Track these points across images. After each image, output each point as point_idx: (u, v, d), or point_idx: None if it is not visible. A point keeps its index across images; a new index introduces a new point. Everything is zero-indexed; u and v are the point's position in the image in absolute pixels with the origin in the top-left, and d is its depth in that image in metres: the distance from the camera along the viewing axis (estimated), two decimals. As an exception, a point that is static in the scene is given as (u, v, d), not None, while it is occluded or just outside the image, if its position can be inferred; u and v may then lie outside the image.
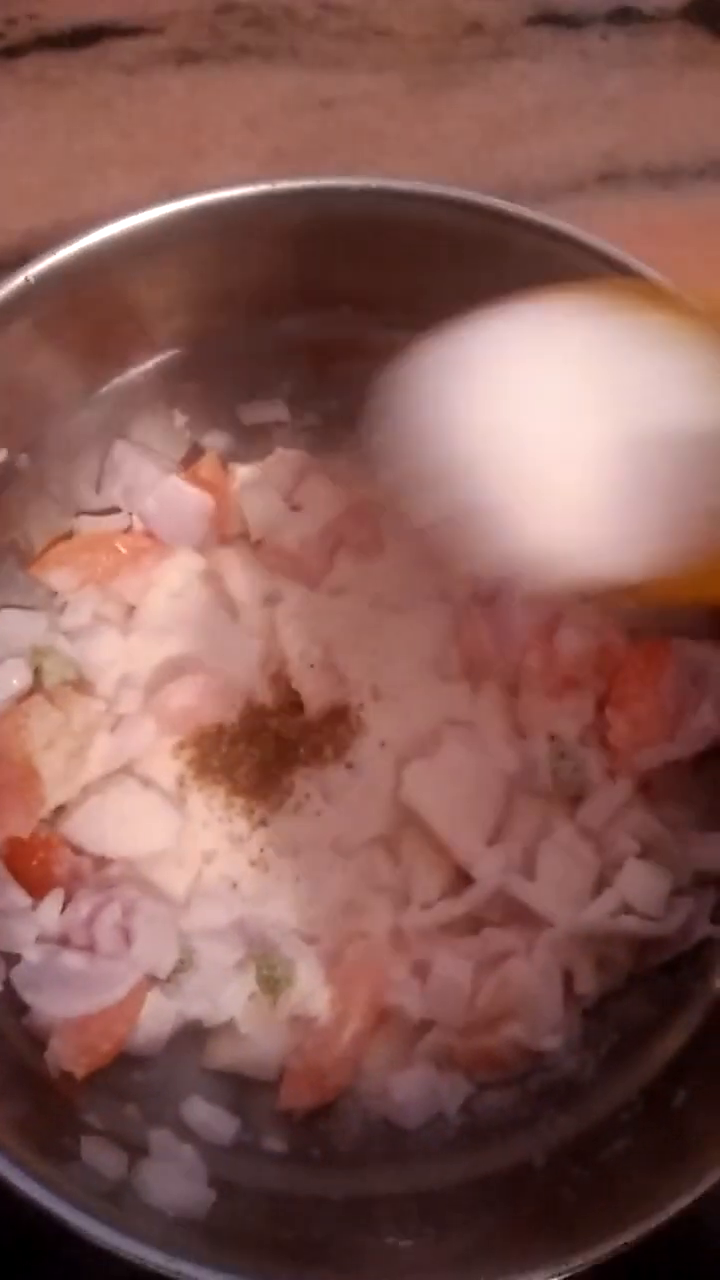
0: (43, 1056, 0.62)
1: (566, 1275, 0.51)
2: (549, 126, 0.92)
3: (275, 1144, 0.66)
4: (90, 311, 0.68)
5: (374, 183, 0.63)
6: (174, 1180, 0.58)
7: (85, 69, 0.92)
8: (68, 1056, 0.62)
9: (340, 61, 0.93)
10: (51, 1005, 0.63)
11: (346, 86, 0.92)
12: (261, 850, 0.73)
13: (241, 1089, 0.68)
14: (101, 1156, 0.58)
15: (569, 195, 0.92)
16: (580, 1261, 0.51)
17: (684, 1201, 0.51)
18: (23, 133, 0.89)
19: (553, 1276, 0.50)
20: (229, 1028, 0.68)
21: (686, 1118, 0.60)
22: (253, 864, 0.72)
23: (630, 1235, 0.51)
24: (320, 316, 0.74)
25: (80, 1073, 0.62)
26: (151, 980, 0.67)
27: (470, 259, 0.67)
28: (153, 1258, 0.49)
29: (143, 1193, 0.57)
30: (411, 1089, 0.67)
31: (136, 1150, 0.61)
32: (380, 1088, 0.68)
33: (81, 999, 0.64)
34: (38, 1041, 0.63)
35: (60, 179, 0.89)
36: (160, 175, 0.90)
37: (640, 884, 0.68)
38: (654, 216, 0.92)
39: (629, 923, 0.67)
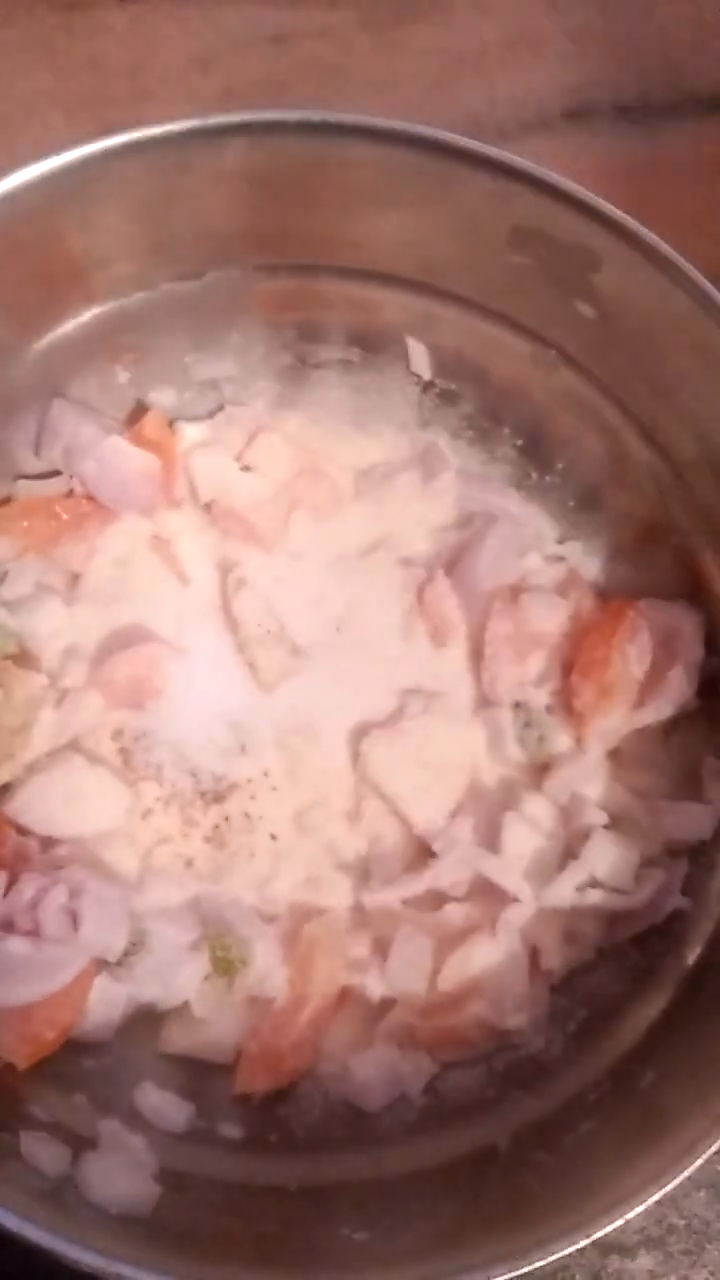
0: (-18, 1046, 0.60)
1: (527, 1269, 0.48)
2: (513, 61, 0.88)
3: (231, 1130, 0.64)
4: (21, 259, 0.64)
5: (315, 116, 0.58)
6: (118, 1175, 0.56)
7: (23, 7, 0.87)
8: (9, 1046, 0.60)
9: (292, -5, 0.87)
10: (-8, 994, 0.60)
11: (299, 21, 0.87)
12: (216, 826, 0.70)
13: (197, 1074, 0.66)
14: (42, 1152, 0.56)
15: (535, 134, 0.87)
16: (540, 1257, 0.48)
17: (651, 1196, 0.49)
18: (-45, 73, 0.84)
19: (512, 1272, 0.48)
20: (183, 1011, 0.66)
21: (655, 1099, 0.58)
22: (207, 841, 0.70)
23: (593, 1230, 0.49)
24: (269, 263, 0.70)
25: (23, 1063, 0.60)
26: (101, 964, 0.64)
27: (423, 199, 0.63)
28: (89, 1259, 0.47)
29: (85, 1189, 0.55)
30: (372, 1070, 0.65)
31: (83, 1143, 0.58)
32: (341, 1069, 0.66)
33: (24, 986, 0.61)
34: (-23, 1029, 0.61)
35: (-3, 123, 0.84)
36: (103, 119, 0.85)
37: (608, 857, 0.65)
38: (624, 156, 0.88)
39: (596, 897, 0.65)
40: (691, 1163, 0.50)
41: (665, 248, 0.58)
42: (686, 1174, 0.49)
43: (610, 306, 0.64)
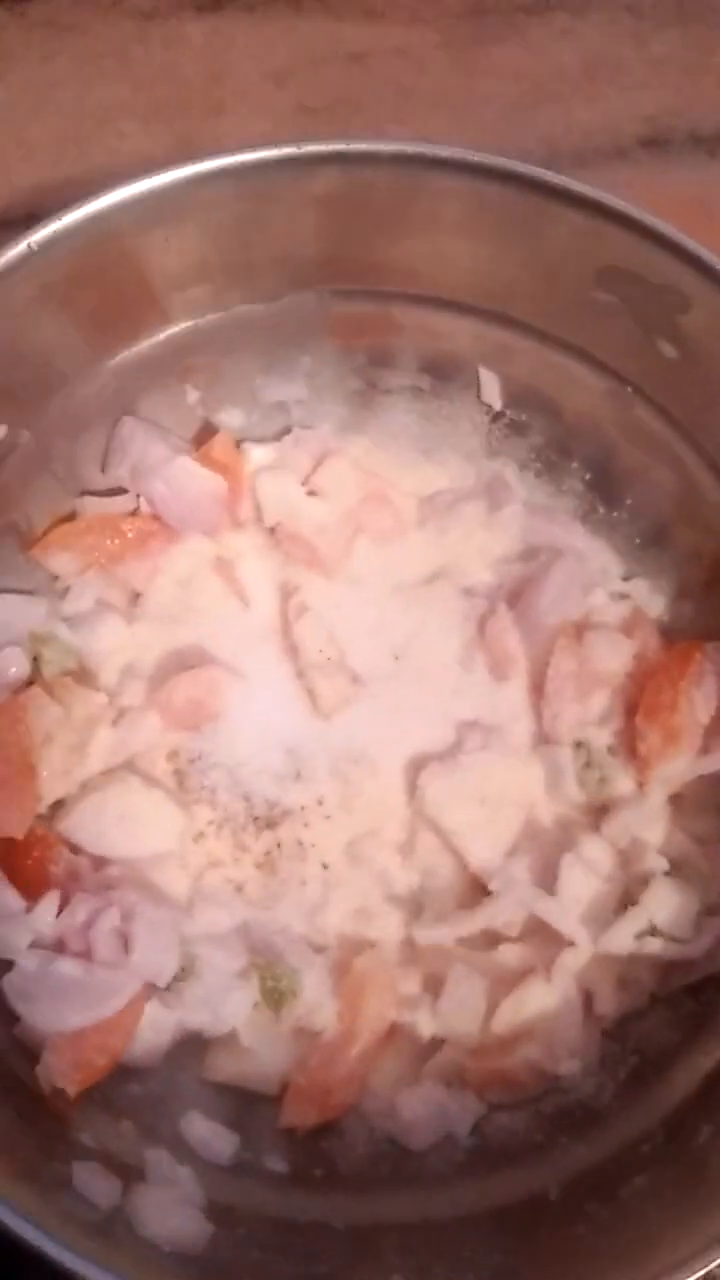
0: (33, 1070, 0.59)
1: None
2: (591, 87, 0.87)
3: (276, 1163, 0.63)
4: (99, 279, 0.64)
5: (409, 148, 0.58)
6: (170, 1210, 0.55)
7: (99, 14, 0.87)
8: (60, 1072, 0.59)
9: (371, 12, 0.87)
10: (44, 1018, 0.60)
11: (377, 39, 0.87)
12: (268, 852, 0.69)
13: (242, 1104, 0.65)
14: (94, 1183, 0.55)
15: (611, 161, 0.86)
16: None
17: (711, 1262, 0.48)
18: (31, 83, 0.83)
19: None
20: (230, 1039, 0.65)
21: (711, 1156, 0.57)
22: (258, 867, 0.69)
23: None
24: (345, 289, 0.69)
25: (73, 1090, 0.59)
26: (150, 989, 0.64)
27: (510, 232, 0.62)
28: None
29: (136, 1224, 0.54)
30: (419, 1108, 0.64)
31: (131, 1174, 0.58)
32: (387, 1106, 0.65)
33: (77, 1011, 0.60)
34: (29, 1052, 0.60)
35: (70, 132, 0.84)
36: (177, 130, 0.85)
37: (669, 904, 0.64)
38: (700, 186, 0.87)
39: (655, 945, 0.64)
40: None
41: (758, 294, 0.58)
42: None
43: (695, 347, 0.63)
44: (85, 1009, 0.61)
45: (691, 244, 0.57)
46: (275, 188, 0.60)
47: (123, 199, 0.59)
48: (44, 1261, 0.48)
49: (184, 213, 0.61)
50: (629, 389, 0.69)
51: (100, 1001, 0.61)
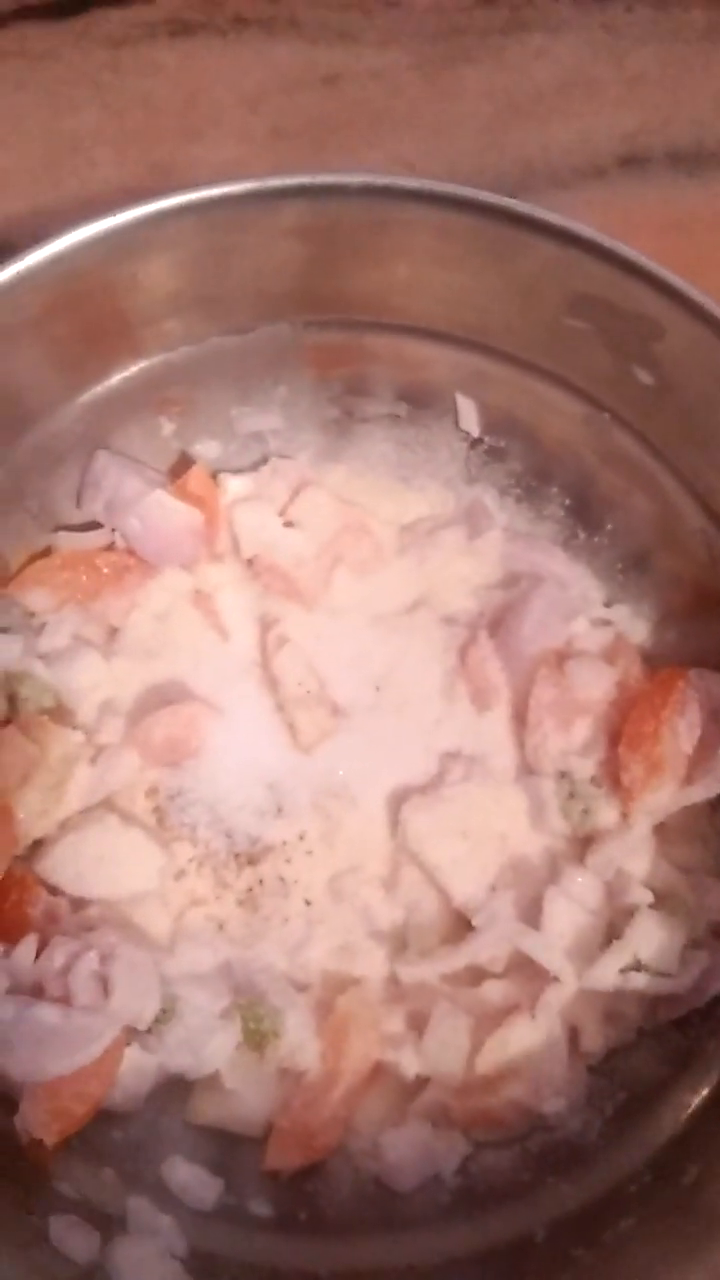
0: (10, 1120, 0.58)
1: None
2: (567, 106, 0.86)
3: (260, 1207, 0.62)
4: (70, 314, 0.63)
5: (377, 180, 0.57)
6: (149, 1263, 0.55)
7: (71, 41, 0.86)
8: (38, 1122, 0.58)
9: (345, 34, 0.86)
10: (22, 1067, 0.59)
11: (351, 61, 0.86)
12: (250, 889, 0.68)
13: (226, 1147, 0.64)
14: (72, 1238, 0.54)
15: (589, 181, 0.85)
16: None
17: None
18: (3, 112, 0.83)
19: None
20: (213, 1081, 0.65)
21: (698, 1198, 0.56)
22: (240, 904, 0.68)
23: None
24: (319, 319, 0.69)
25: (52, 1140, 0.58)
26: (131, 1033, 0.63)
27: (484, 262, 0.61)
28: None
29: (115, 1278, 0.53)
30: (405, 1148, 0.63)
31: (111, 1224, 0.57)
32: (372, 1146, 0.64)
33: (55, 1059, 0.60)
34: (6, 1101, 0.60)
35: (43, 161, 0.83)
36: (151, 157, 0.84)
37: (653, 939, 0.64)
38: (678, 205, 0.86)
39: (640, 980, 0.63)
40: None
41: (732, 321, 0.57)
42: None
43: (670, 374, 0.62)
44: (63, 1057, 0.60)
45: (662, 271, 0.56)
46: (243, 221, 0.60)
47: (89, 236, 0.58)
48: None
49: (152, 248, 0.60)
50: (606, 415, 0.68)
51: (79, 1049, 0.60)
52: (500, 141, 0.86)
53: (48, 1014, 0.61)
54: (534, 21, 0.87)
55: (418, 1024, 0.65)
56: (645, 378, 0.64)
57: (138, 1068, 0.64)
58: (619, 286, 0.58)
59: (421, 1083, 0.65)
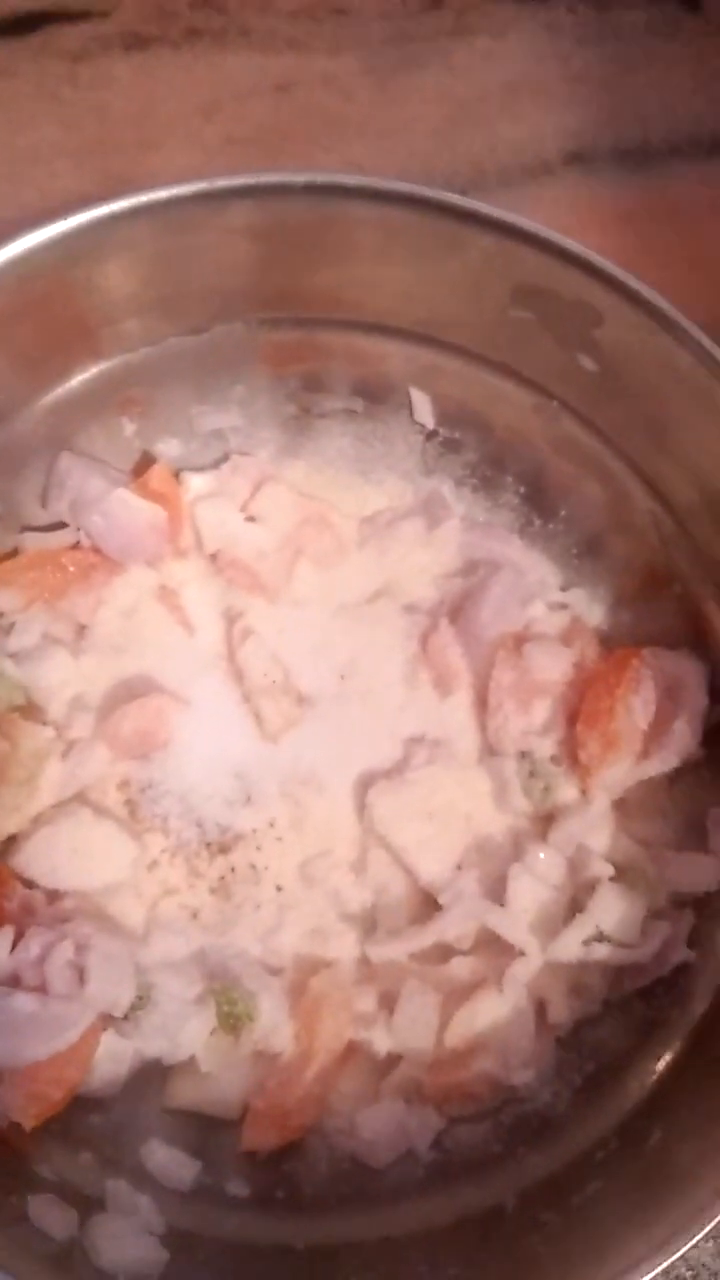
0: (-11, 1106, 0.60)
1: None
2: (514, 107, 0.88)
3: (238, 1187, 0.64)
4: (30, 317, 0.64)
5: (320, 178, 0.59)
6: (127, 1239, 0.56)
7: (28, 57, 0.88)
8: (16, 1106, 0.60)
9: (295, 43, 0.88)
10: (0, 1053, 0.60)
11: (302, 69, 0.88)
12: (222, 877, 0.70)
13: (204, 1130, 0.65)
14: (50, 1216, 0.55)
15: (536, 179, 0.87)
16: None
17: (658, 1264, 0.49)
18: (-39, 125, 0.85)
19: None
20: (189, 1066, 0.66)
21: (663, 1157, 0.58)
22: (213, 892, 0.70)
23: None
24: (274, 317, 0.70)
25: (29, 1123, 0.60)
26: (107, 1019, 0.64)
27: (427, 256, 0.63)
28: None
29: (93, 1254, 0.54)
30: (380, 1125, 0.65)
31: (90, 1204, 0.58)
32: (347, 1124, 0.65)
33: (32, 1045, 0.61)
34: (-15, 1088, 0.61)
35: (4, 173, 0.85)
36: (109, 167, 0.86)
37: (615, 910, 0.65)
38: (625, 200, 0.88)
39: (603, 951, 0.65)
40: (699, 1230, 0.50)
41: (665, 305, 0.59)
42: (694, 1242, 0.49)
43: (611, 360, 0.64)
44: (40, 1043, 0.61)
45: (597, 258, 0.58)
46: (194, 222, 0.61)
47: (44, 239, 0.59)
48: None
49: (107, 250, 0.62)
50: (555, 403, 0.70)
51: (55, 1035, 0.61)
52: (450, 143, 0.88)
53: (24, 1002, 0.62)
54: (479, 25, 0.89)
55: (389, 1003, 0.67)
56: (589, 365, 0.65)
57: (114, 1054, 0.65)
58: (557, 276, 0.60)
59: (394, 1060, 0.66)
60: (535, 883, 0.67)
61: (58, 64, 0.88)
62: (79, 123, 0.87)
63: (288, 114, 0.87)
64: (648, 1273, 0.50)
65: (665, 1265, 0.49)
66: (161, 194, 0.59)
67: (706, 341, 0.58)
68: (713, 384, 0.60)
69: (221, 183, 0.59)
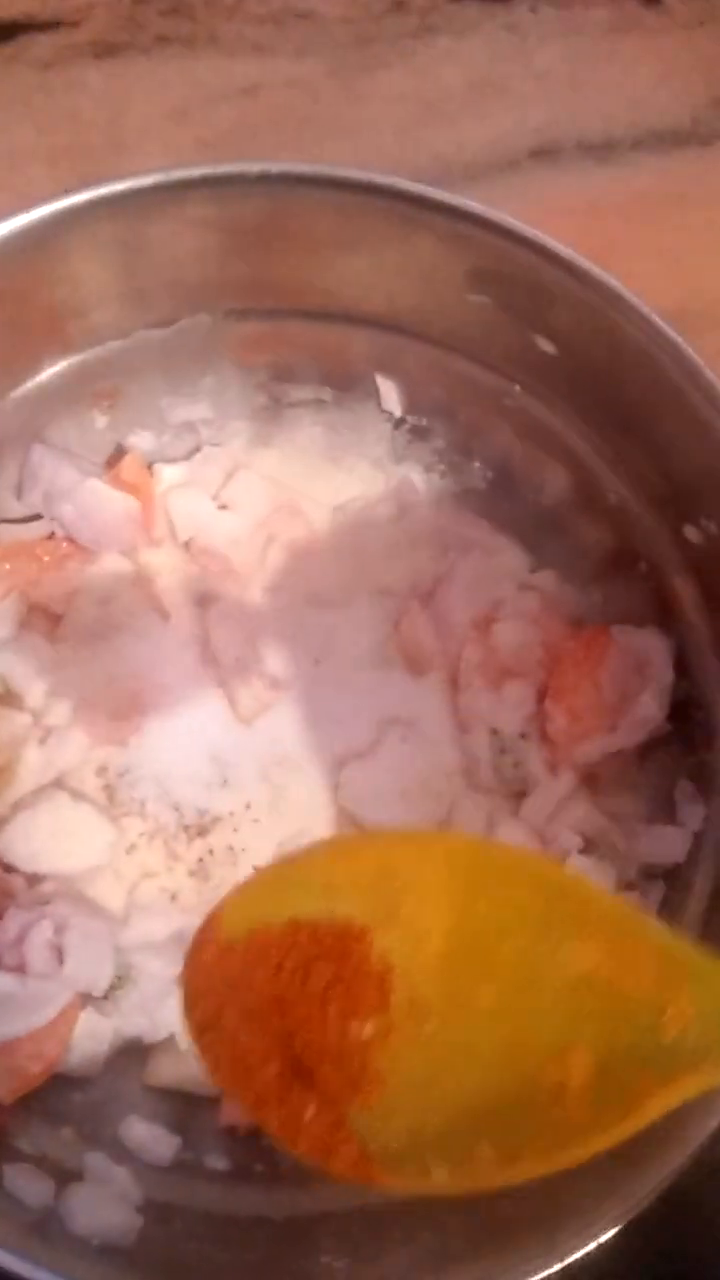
0: (-31, 1082, 0.61)
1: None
2: (479, 104, 0.90)
3: (217, 1161, 0.64)
4: (-2, 311, 0.66)
5: (273, 168, 0.60)
6: (101, 1206, 0.57)
7: (1, 66, 0.90)
8: (-5, 1081, 0.60)
9: (261, 47, 0.90)
10: (-23, 1030, 0.61)
11: (269, 72, 0.90)
12: (200, 860, 0.71)
13: (184, 1106, 0.66)
14: (25, 1185, 0.56)
15: (502, 174, 0.89)
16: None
17: (623, 1219, 0.49)
18: (-64, 133, 0.87)
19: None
20: (169, 1044, 0.67)
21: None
22: (191, 874, 0.71)
23: (567, 1253, 0.49)
24: (240, 308, 0.72)
25: (8, 1098, 0.61)
26: (87, 999, 0.65)
27: (383, 243, 0.65)
28: (71, 1290, 0.48)
29: (68, 1220, 0.55)
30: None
31: (68, 1175, 0.59)
32: (326, 1099, 0.66)
33: (9, 1022, 0.62)
34: (-35, 1065, 0.62)
35: (-22, 180, 0.87)
36: (82, 171, 0.88)
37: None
38: (590, 193, 0.90)
39: (573, 921, 0.65)
40: (661, 1185, 0.50)
41: (614, 283, 0.60)
42: (655, 1194, 0.49)
43: (569, 342, 0.66)
44: (17, 1019, 0.62)
45: (545, 238, 0.59)
46: (154, 214, 0.63)
47: (5, 232, 0.61)
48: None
49: (68, 244, 0.63)
50: (517, 387, 0.71)
51: (32, 1012, 0.63)
52: (415, 141, 0.89)
53: (3, 982, 0.63)
54: (442, 25, 0.91)
55: (365, 979, 0.67)
56: (548, 348, 0.67)
57: (95, 1033, 0.66)
58: (508, 258, 0.61)
59: (370, 1034, 0.67)
60: (506, 856, 0.68)
61: (29, 72, 0.90)
62: (52, 128, 0.89)
63: (256, 116, 0.89)
64: (612, 1228, 0.50)
65: (628, 1218, 0.50)
66: (119, 186, 0.61)
67: (655, 318, 0.60)
68: (664, 362, 0.62)
69: (178, 174, 0.61)
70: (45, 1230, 0.54)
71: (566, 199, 0.90)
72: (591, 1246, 0.50)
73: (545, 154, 0.90)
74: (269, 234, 0.66)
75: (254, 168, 0.60)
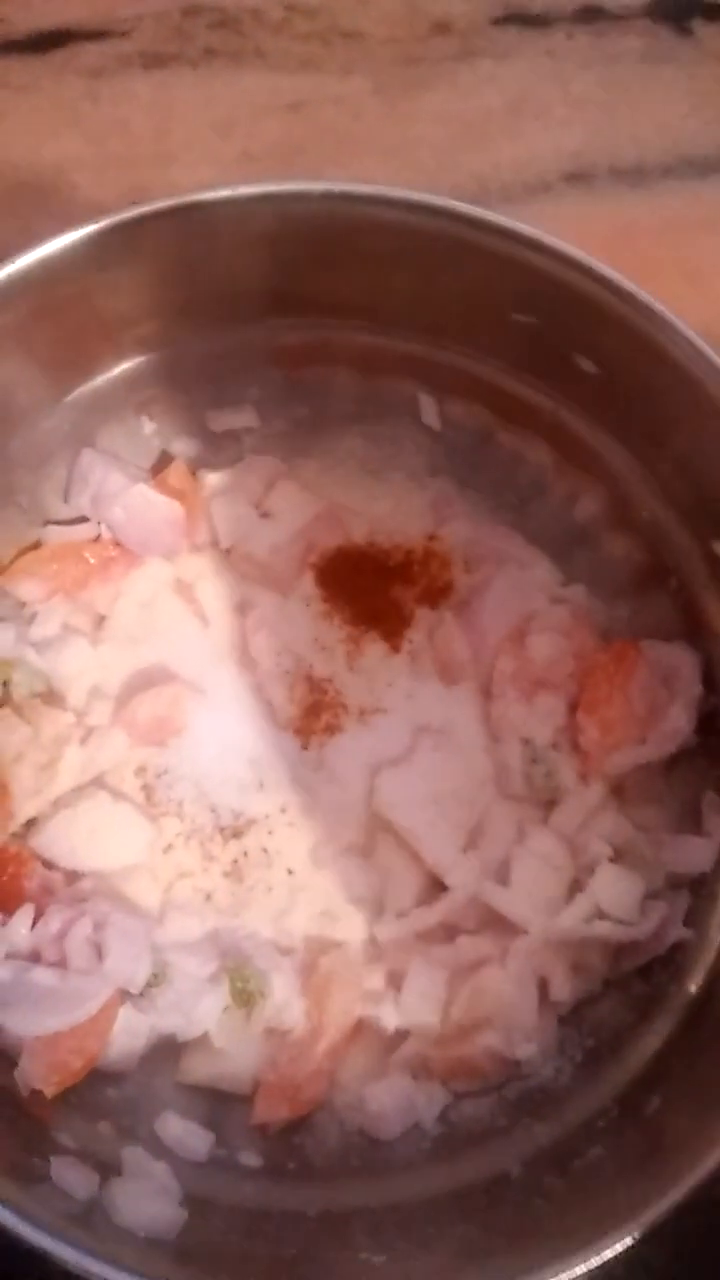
0: (11, 1074, 0.61)
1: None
2: (516, 127, 0.92)
3: (250, 1159, 0.65)
4: (55, 319, 0.67)
5: (336, 187, 0.62)
6: (145, 1199, 0.58)
7: (50, 74, 0.91)
8: (38, 1075, 0.61)
9: (307, 63, 0.92)
10: (22, 1023, 0.62)
11: (314, 89, 0.92)
12: (235, 861, 0.72)
13: (217, 1103, 0.67)
14: (71, 1177, 0.57)
15: (536, 196, 0.91)
16: (549, 1275, 0.50)
17: (655, 1212, 0.51)
18: (-14, 140, 0.88)
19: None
20: (203, 1042, 0.68)
21: (660, 1123, 0.60)
22: (226, 875, 0.72)
23: (602, 1249, 0.51)
24: (287, 321, 0.73)
25: (51, 1091, 0.62)
26: (124, 995, 0.66)
27: (434, 262, 0.66)
28: (119, 1278, 0.49)
29: (113, 1213, 0.56)
30: (387, 1099, 0.67)
31: (108, 1169, 0.60)
32: (356, 1099, 0.67)
33: (52, 1016, 0.63)
34: (7, 1057, 0.63)
35: (26, 186, 0.88)
36: (129, 180, 0.89)
37: (614, 888, 0.67)
38: (622, 216, 0.92)
39: (603, 928, 0.67)
40: (692, 1182, 0.52)
41: (659, 306, 0.62)
42: (687, 1190, 0.51)
43: (610, 361, 0.67)
44: (60, 1014, 0.63)
45: (594, 262, 0.61)
46: (215, 228, 0.64)
47: (72, 242, 0.62)
48: (28, 1254, 0.51)
49: (130, 254, 0.65)
50: (557, 405, 0.73)
51: (75, 1007, 0.63)
52: (454, 160, 0.91)
53: (45, 976, 0.64)
54: (483, 49, 0.93)
55: (397, 982, 0.69)
56: (589, 366, 0.69)
57: (131, 1029, 0.67)
58: (557, 280, 0.63)
59: (401, 1036, 0.68)
60: (537, 864, 0.69)
61: (79, 80, 0.92)
62: (99, 137, 0.91)
63: (300, 131, 0.91)
64: (645, 1223, 0.52)
65: (660, 1215, 0.51)
66: (186, 199, 0.62)
67: (696, 339, 0.61)
68: (704, 383, 0.63)
69: (244, 190, 0.62)
70: (91, 1221, 0.55)
71: (598, 222, 0.92)
72: (627, 1242, 0.51)
73: (579, 178, 0.93)
74: (322, 250, 0.67)
75: (316, 186, 0.62)
